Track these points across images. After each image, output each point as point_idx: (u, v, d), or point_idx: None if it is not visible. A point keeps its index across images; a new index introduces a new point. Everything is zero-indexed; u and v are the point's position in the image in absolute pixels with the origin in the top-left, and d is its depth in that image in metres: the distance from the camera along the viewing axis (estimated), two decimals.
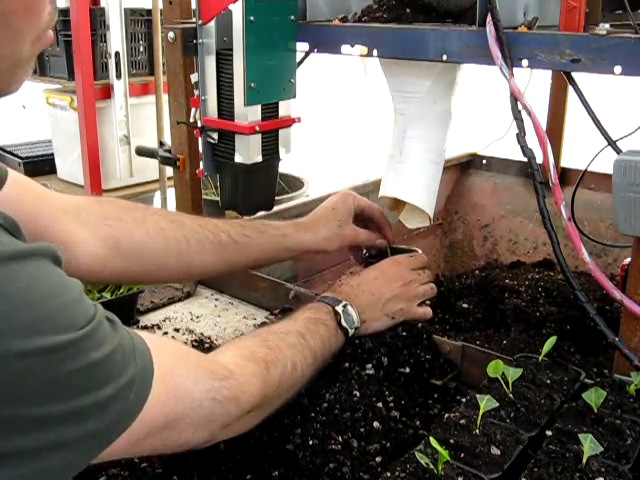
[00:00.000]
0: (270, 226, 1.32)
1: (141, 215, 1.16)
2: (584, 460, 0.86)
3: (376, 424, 1.06)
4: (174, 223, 1.19)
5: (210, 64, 1.45)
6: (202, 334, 1.44)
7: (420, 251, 1.45)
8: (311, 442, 0.99)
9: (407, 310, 1.28)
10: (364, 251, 1.49)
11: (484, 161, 2.70)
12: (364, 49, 1.35)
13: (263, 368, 0.92)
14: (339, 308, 1.16)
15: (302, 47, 1.47)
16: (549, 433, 0.94)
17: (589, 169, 1.47)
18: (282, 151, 1.54)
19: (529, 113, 1.16)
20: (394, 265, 1.33)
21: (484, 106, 4.44)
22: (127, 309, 1.46)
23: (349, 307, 1.18)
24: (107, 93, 2.90)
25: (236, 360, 0.91)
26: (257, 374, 0.91)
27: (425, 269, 1.38)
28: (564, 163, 2.39)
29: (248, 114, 1.42)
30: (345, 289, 1.25)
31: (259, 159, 1.48)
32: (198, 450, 1.01)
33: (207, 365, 0.86)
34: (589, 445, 0.86)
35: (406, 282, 1.29)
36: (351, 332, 1.17)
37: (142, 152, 1.93)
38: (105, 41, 2.85)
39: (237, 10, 1.36)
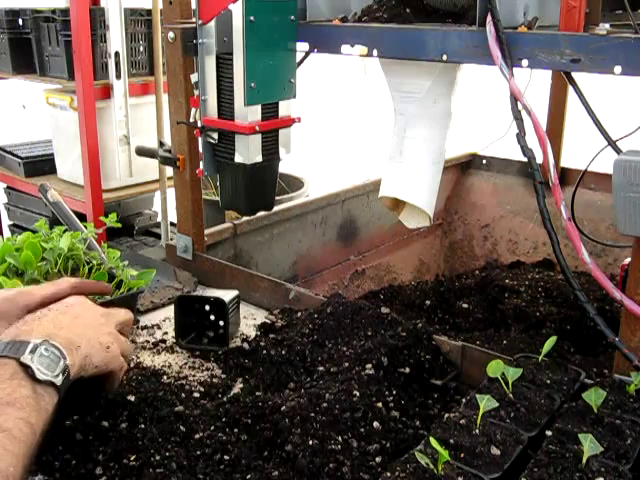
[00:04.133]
0: None
1: None
2: (584, 460, 0.86)
3: (376, 424, 1.06)
4: None
5: (210, 64, 1.45)
6: None
7: (235, 294, 1.36)
8: (311, 442, 0.99)
9: (116, 349, 0.99)
10: None
11: (484, 161, 2.70)
12: (364, 49, 1.35)
13: None
14: (26, 357, 0.81)
15: (302, 47, 1.47)
16: (549, 433, 0.94)
17: (589, 169, 1.47)
18: (282, 151, 1.54)
19: (529, 113, 1.16)
20: (80, 299, 1.04)
21: (484, 106, 4.44)
22: (127, 309, 1.46)
23: (42, 347, 0.82)
24: (107, 93, 2.89)
25: None
26: None
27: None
28: (564, 163, 2.40)
29: (248, 114, 1.42)
30: (30, 318, 0.91)
31: (259, 159, 1.48)
32: (199, 450, 1.01)
33: None
34: (589, 445, 0.86)
35: (102, 313, 1.03)
36: (60, 381, 0.82)
37: (142, 152, 1.93)
38: (105, 41, 2.85)
39: (237, 10, 1.35)
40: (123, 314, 1.09)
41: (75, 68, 2.80)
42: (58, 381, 0.83)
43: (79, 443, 1.03)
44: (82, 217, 2.70)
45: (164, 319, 1.50)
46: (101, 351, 0.94)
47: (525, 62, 1.16)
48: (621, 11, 1.34)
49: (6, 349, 0.81)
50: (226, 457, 1.00)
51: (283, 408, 1.06)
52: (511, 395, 1.02)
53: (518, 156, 1.18)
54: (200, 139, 1.53)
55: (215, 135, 1.49)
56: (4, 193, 3.55)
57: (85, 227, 1.58)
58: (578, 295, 1.14)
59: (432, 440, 0.86)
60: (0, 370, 0.79)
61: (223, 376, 1.27)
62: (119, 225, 1.60)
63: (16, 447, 0.75)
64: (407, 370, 1.20)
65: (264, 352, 1.28)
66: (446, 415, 0.98)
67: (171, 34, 1.55)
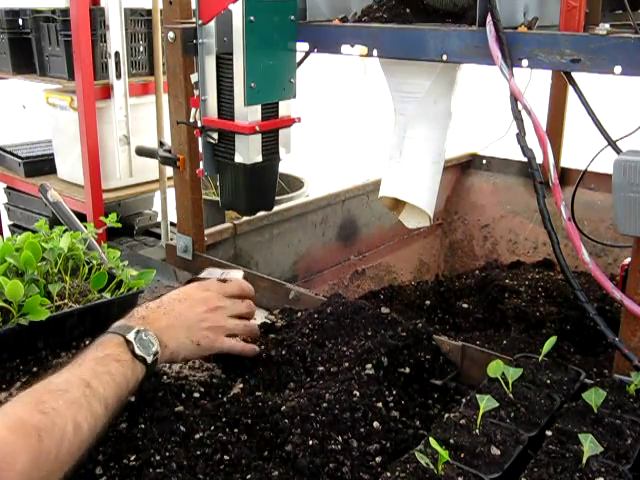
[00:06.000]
0: None
1: None
2: (584, 460, 0.86)
3: (376, 424, 1.06)
4: None
5: (210, 64, 1.45)
6: None
7: (241, 275, 1.33)
8: (311, 442, 0.99)
9: (214, 339, 1.19)
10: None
11: (484, 161, 2.71)
12: (364, 49, 1.35)
13: (34, 439, 0.84)
14: (131, 336, 1.06)
15: (302, 47, 1.47)
16: (549, 433, 0.94)
17: (589, 169, 1.47)
18: (282, 151, 1.54)
19: (529, 113, 1.16)
20: (201, 288, 1.24)
21: (484, 106, 4.44)
22: (127, 309, 1.46)
23: (143, 333, 1.08)
24: (107, 93, 2.89)
25: (0, 432, 0.83)
26: (25, 448, 0.82)
27: (245, 299, 1.27)
28: (564, 163, 2.40)
29: (248, 114, 1.42)
30: (142, 312, 1.16)
31: (259, 159, 1.48)
32: (199, 450, 1.01)
33: None
34: (589, 445, 0.86)
35: (212, 307, 1.20)
36: (150, 359, 1.07)
37: (142, 152, 1.93)
38: (105, 41, 2.85)
39: (237, 10, 1.35)
40: (228, 289, 1.25)
41: (75, 68, 2.80)
42: (149, 359, 1.07)
43: None
44: (82, 217, 2.70)
45: None
46: (189, 347, 1.16)
47: (525, 62, 1.16)
48: (621, 11, 1.34)
49: (117, 328, 1.08)
50: (226, 457, 1.00)
51: (283, 408, 1.06)
52: (511, 395, 1.02)
53: (518, 156, 1.18)
54: (200, 139, 1.53)
55: (215, 135, 1.49)
56: (4, 193, 3.55)
57: (85, 227, 1.58)
58: (578, 295, 1.14)
59: (432, 440, 0.86)
60: (112, 339, 1.06)
61: (223, 376, 1.26)
62: (119, 225, 1.60)
63: (115, 389, 0.99)
64: (407, 370, 1.20)
65: (264, 352, 1.27)
66: (446, 415, 0.98)
67: (171, 34, 1.55)
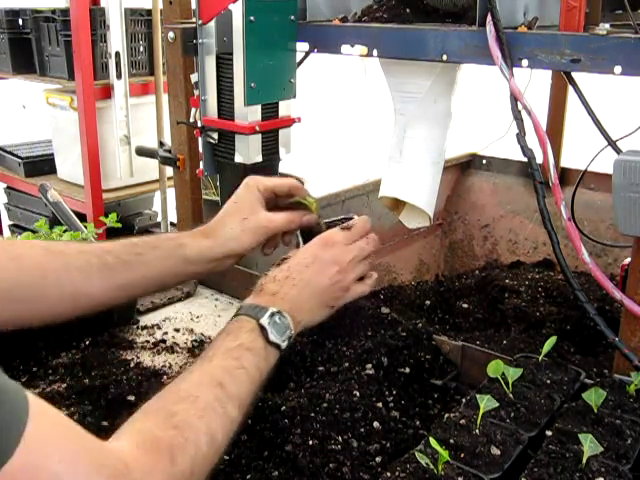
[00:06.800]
0: (165, 238, 1.16)
1: (18, 250, 1.02)
2: (584, 460, 0.86)
3: (376, 424, 1.06)
4: (53, 254, 1.03)
5: (210, 64, 1.45)
6: (202, 334, 1.44)
7: (355, 217, 1.21)
8: (311, 442, 0.99)
9: (345, 295, 1.11)
10: (297, 237, 1.26)
11: (484, 161, 2.70)
12: (364, 49, 1.35)
13: (167, 460, 0.75)
14: (264, 321, 0.97)
15: (302, 47, 1.47)
16: (549, 433, 0.94)
17: (589, 169, 1.47)
18: (282, 151, 1.54)
19: (529, 113, 1.16)
20: (327, 245, 1.12)
21: (484, 106, 4.44)
22: (127, 309, 1.46)
23: (277, 316, 0.98)
24: (107, 93, 2.90)
25: (133, 450, 0.73)
26: (159, 469, 0.74)
27: (367, 236, 1.16)
28: (564, 163, 2.40)
29: (248, 114, 1.42)
30: (271, 287, 1.05)
31: (259, 159, 1.48)
32: None
33: (96, 455, 0.68)
34: (589, 445, 0.86)
35: (344, 266, 1.10)
36: (284, 345, 0.98)
37: (142, 152, 1.93)
38: (105, 41, 2.86)
39: (237, 10, 1.36)
40: (351, 235, 1.14)
41: (75, 68, 2.81)
42: (283, 345, 0.98)
43: None
44: (82, 217, 2.71)
45: (164, 319, 1.50)
46: (323, 313, 1.10)
47: (525, 62, 1.16)
48: (621, 11, 1.34)
49: (248, 309, 0.99)
50: (226, 457, 1.00)
51: (283, 408, 1.06)
52: (511, 395, 1.02)
53: (518, 156, 1.18)
54: (200, 139, 1.53)
55: (215, 135, 1.49)
56: (4, 193, 3.55)
57: (85, 227, 1.58)
58: (578, 295, 1.14)
59: (432, 440, 0.86)
60: (244, 324, 0.97)
61: None
62: (119, 225, 1.61)
63: (248, 386, 0.91)
64: (407, 370, 1.20)
65: None
66: (446, 415, 0.98)
67: (171, 34, 1.55)
